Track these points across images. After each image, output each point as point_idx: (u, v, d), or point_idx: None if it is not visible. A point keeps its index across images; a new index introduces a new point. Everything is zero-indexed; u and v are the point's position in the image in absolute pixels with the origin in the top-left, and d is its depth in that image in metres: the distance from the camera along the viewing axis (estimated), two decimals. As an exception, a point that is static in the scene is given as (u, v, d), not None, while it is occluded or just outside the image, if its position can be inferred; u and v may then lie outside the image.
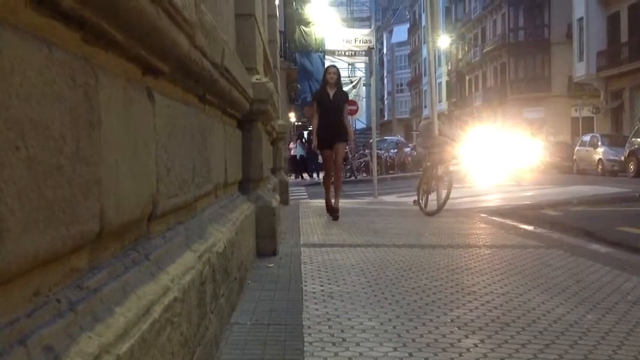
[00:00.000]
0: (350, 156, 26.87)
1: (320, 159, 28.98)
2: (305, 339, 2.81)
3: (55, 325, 1.11)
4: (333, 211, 8.35)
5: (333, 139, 8.40)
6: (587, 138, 26.57)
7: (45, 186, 1.10)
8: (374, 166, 14.57)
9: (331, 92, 8.61)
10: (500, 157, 20.77)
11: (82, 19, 1.28)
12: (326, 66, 8.95)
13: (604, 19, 34.40)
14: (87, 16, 1.28)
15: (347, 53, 15.98)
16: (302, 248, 5.57)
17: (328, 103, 8.56)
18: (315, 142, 8.69)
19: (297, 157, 28.78)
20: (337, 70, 9.09)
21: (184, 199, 2.36)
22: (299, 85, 27.90)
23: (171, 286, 1.78)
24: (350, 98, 24.41)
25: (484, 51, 51.26)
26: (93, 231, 1.35)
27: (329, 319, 3.13)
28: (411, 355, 2.59)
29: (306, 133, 33.24)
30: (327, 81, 8.73)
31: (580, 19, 36.09)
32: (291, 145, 25.69)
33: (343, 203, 12.16)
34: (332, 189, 8.72)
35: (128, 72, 1.72)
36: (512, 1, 45.91)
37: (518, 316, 3.17)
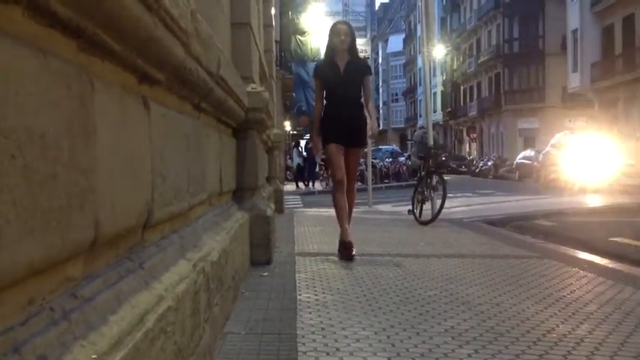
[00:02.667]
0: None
1: (317, 167, 29.41)
2: (299, 348, 2.80)
3: (49, 334, 1.10)
4: (346, 247, 5.33)
5: (346, 134, 5.52)
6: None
7: (40, 195, 1.10)
8: (369, 175, 14.57)
9: (341, 63, 5.58)
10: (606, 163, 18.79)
11: (79, 28, 1.29)
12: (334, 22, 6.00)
13: (598, 31, 34.61)
14: (84, 25, 1.29)
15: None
16: (296, 257, 5.56)
17: (337, 81, 5.55)
18: (314, 142, 5.85)
19: (295, 166, 28.81)
20: (350, 28, 5.70)
21: (179, 208, 2.36)
22: (294, 94, 27.94)
23: (165, 295, 1.77)
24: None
25: (479, 61, 51.53)
26: (87, 240, 1.35)
27: (323, 329, 3.13)
28: (404, 365, 2.58)
29: (302, 142, 33.27)
30: (335, 46, 5.59)
31: (574, 31, 36.31)
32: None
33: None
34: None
35: (124, 80, 1.73)
36: (507, 12, 46.21)
37: (512, 327, 3.17)
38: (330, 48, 5.66)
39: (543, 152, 24.89)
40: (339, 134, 5.47)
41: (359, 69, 5.64)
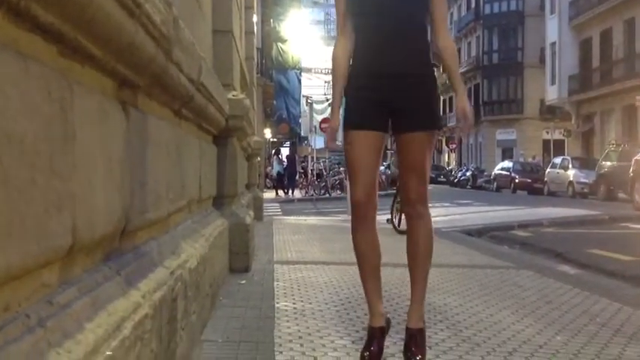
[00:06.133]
0: (325, 173, 26.98)
1: (297, 175, 29.74)
2: (276, 357, 2.80)
3: (24, 341, 1.09)
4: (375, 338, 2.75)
5: (392, 106, 2.68)
6: (558, 160, 26.97)
7: (18, 200, 1.09)
8: (348, 184, 14.59)
9: None
10: None
11: (60, 33, 1.28)
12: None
13: (576, 44, 35.06)
14: (65, 30, 1.28)
15: (324, 71, 16.02)
16: (275, 265, 5.55)
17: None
18: (332, 123, 2.89)
19: (275, 173, 28.79)
20: None
21: (158, 215, 2.34)
22: (275, 102, 27.95)
23: (143, 302, 1.76)
24: (326, 116, 24.49)
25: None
26: (64, 246, 1.34)
27: (301, 337, 3.12)
28: (382, 374, 2.58)
29: (283, 150, 33.24)
30: None
31: (553, 44, 36.75)
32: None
33: (317, 220, 12.17)
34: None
35: (104, 86, 1.72)
36: (487, 24, 46.65)
37: (489, 337, 3.19)
38: None
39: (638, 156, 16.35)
40: (376, 107, 2.70)
41: None
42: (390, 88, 2.68)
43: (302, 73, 35.49)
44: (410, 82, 2.70)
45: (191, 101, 2.96)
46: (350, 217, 2.97)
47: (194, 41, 2.78)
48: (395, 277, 5.00)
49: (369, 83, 2.70)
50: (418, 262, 3.01)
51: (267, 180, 28.14)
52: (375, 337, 2.77)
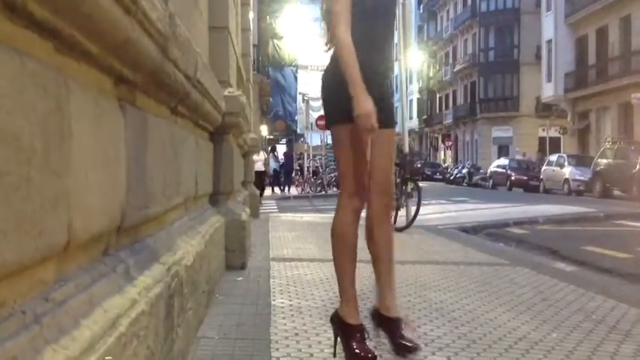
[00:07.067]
0: (321, 170, 26.98)
1: (294, 172, 29.62)
2: (272, 354, 2.80)
3: (20, 338, 1.09)
4: (351, 332, 2.74)
5: (379, 103, 2.63)
6: (554, 158, 27.00)
7: (14, 197, 1.09)
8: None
9: None
10: None
11: (56, 29, 1.28)
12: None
13: (572, 42, 35.08)
14: (60, 26, 1.28)
15: (320, 68, 16.03)
16: (271, 262, 5.55)
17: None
18: (362, 103, 2.55)
19: (271, 171, 28.78)
20: None
21: (154, 211, 2.34)
22: (271, 99, 27.92)
23: (139, 299, 1.76)
24: (322, 113, 24.60)
25: (455, 70, 51.94)
26: (60, 243, 1.33)
27: (297, 334, 3.12)
28: (378, 371, 2.59)
29: (279, 147, 33.22)
30: None
31: (549, 41, 36.77)
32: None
33: (313, 218, 12.17)
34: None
35: (100, 83, 1.72)
36: (484, 22, 46.70)
37: (485, 334, 3.20)
38: None
39: None
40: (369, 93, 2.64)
41: None
42: (381, 85, 2.80)
43: (298, 70, 35.49)
44: (390, 79, 2.89)
45: (187, 98, 2.95)
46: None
47: (190, 38, 2.77)
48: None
49: (368, 79, 2.65)
50: (389, 245, 3.06)
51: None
52: (359, 333, 2.73)
